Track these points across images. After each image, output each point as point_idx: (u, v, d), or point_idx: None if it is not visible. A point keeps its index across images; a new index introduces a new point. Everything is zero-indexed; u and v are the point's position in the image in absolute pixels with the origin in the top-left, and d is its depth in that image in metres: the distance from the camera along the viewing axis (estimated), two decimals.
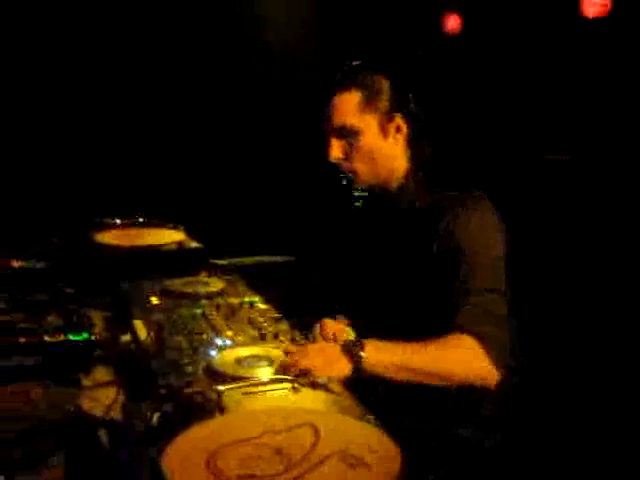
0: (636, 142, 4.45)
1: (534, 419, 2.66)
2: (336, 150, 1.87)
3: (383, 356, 1.57)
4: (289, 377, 1.49)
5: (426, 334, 1.64)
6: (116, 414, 1.44)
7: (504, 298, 1.71)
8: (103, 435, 1.39)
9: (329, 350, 1.57)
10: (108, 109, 4.85)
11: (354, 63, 1.93)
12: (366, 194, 2.02)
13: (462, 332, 1.63)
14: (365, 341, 1.57)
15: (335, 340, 1.63)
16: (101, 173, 4.65)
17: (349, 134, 1.85)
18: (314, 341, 1.69)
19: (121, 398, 1.54)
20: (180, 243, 2.57)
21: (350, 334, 1.70)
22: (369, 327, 1.75)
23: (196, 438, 1.20)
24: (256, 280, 2.46)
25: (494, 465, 1.81)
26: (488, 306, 1.68)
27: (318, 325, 1.72)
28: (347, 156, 1.88)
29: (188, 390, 1.38)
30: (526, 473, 1.95)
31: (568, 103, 4.89)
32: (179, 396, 1.34)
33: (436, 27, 5.47)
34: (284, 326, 1.91)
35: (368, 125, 1.85)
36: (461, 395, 1.72)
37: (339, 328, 1.71)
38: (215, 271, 2.45)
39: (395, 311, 1.89)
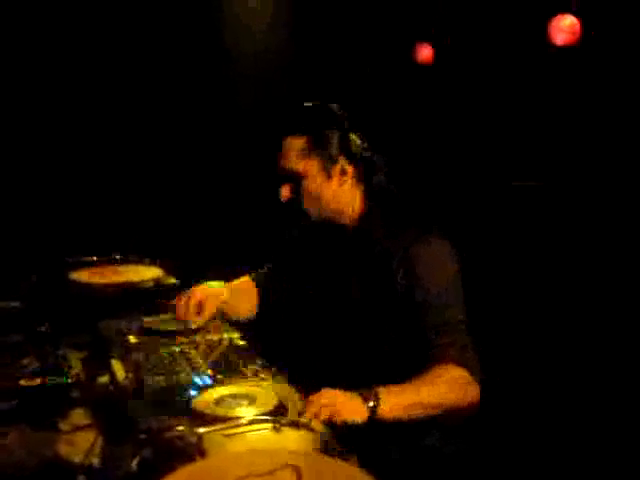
0: (603, 168, 4.53)
1: (496, 426, 2.78)
2: (285, 191, 1.94)
3: (396, 400, 1.61)
4: (269, 417, 1.47)
5: (394, 368, 1.76)
6: (95, 459, 1.41)
7: (467, 328, 1.82)
8: None
9: (348, 397, 1.58)
10: (80, 144, 4.82)
11: (303, 105, 1.96)
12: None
13: (448, 363, 1.72)
14: (379, 389, 1.60)
15: None
16: (75, 210, 4.61)
17: (295, 177, 1.91)
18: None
19: (100, 442, 1.51)
20: (157, 279, 2.55)
21: None
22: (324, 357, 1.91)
23: None
24: None
25: (453, 472, 1.88)
26: (461, 335, 1.79)
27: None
28: (297, 196, 1.93)
29: (168, 434, 1.36)
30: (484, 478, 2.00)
31: (536, 130, 4.97)
32: (159, 440, 1.32)
33: (408, 57, 5.53)
34: (265, 363, 1.90)
35: (310, 170, 1.89)
36: None
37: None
38: None
39: (359, 346, 1.93)
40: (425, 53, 5.48)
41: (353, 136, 1.93)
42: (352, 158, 1.92)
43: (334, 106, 1.97)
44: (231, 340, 2.08)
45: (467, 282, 1.90)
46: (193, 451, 1.31)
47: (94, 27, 4.78)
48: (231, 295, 2.16)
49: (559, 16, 4.43)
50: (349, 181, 1.93)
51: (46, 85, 4.70)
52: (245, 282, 2.32)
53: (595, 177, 4.58)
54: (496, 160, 5.27)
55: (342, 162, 1.91)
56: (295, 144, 1.89)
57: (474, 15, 5.25)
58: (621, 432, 3.26)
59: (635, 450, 3.08)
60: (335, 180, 1.91)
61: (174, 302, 2.10)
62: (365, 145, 1.96)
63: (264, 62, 5.30)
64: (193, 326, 2.07)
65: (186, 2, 5.11)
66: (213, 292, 2.10)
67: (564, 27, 4.40)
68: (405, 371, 1.74)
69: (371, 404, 1.56)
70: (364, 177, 1.96)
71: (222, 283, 2.19)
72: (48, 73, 4.69)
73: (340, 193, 1.93)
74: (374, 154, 1.98)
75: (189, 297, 2.06)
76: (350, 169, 1.92)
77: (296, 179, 1.91)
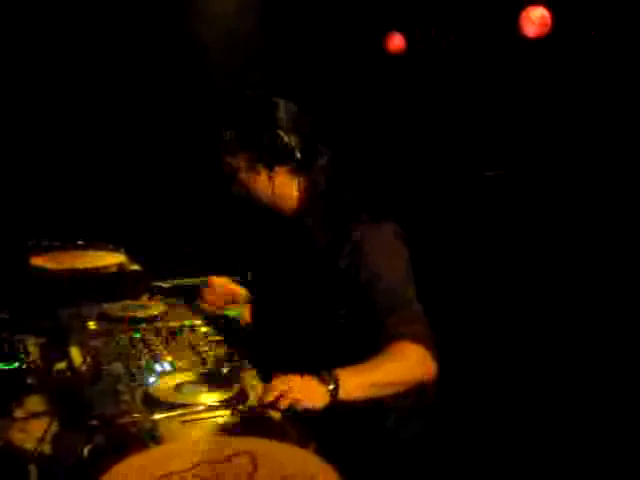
0: (575, 157, 4.56)
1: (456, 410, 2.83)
2: (234, 184, 1.94)
3: (356, 381, 1.60)
4: (227, 403, 1.45)
5: (350, 350, 1.76)
6: (47, 447, 1.38)
7: (418, 302, 1.83)
8: (33, 470, 1.33)
9: (308, 381, 1.55)
10: (43, 127, 4.74)
11: (239, 97, 1.95)
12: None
13: (405, 339, 1.71)
14: (337, 372, 1.58)
15: None
16: (38, 193, 4.54)
17: (233, 170, 1.91)
18: None
19: (53, 429, 1.48)
20: (120, 265, 2.51)
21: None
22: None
23: (130, 471, 1.16)
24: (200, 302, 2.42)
25: (410, 455, 1.89)
26: (413, 314, 1.79)
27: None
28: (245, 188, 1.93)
29: (121, 420, 1.33)
30: (439, 463, 2.02)
31: (508, 120, 4.99)
32: (112, 427, 1.29)
33: (380, 46, 5.52)
34: (226, 350, 1.87)
35: (240, 163, 1.89)
36: None
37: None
38: (157, 294, 2.40)
39: (313, 329, 1.92)
40: (397, 42, 5.46)
41: (282, 133, 1.87)
42: (280, 156, 1.88)
43: (278, 100, 1.93)
44: (193, 326, 2.06)
45: (441, 271, 1.90)
46: (147, 438, 1.28)
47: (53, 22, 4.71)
48: None
49: (529, 8, 4.44)
50: (281, 176, 1.90)
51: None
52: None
53: (567, 166, 4.61)
54: (468, 150, 5.28)
55: (268, 159, 1.88)
56: (226, 137, 1.90)
57: (446, 4, 5.24)
58: (610, 422, 3.30)
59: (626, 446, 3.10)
60: (264, 175, 1.89)
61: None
62: (302, 140, 1.90)
63: (232, 51, 5.24)
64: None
65: None
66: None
67: (535, 19, 4.41)
68: (362, 350, 1.73)
69: (331, 387, 1.54)
70: (303, 170, 1.92)
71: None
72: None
73: (273, 187, 1.91)
74: (318, 147, 1.95)
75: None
76: (279, 166, 1.89)
77: (232, 170, 1.91)
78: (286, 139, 1.88)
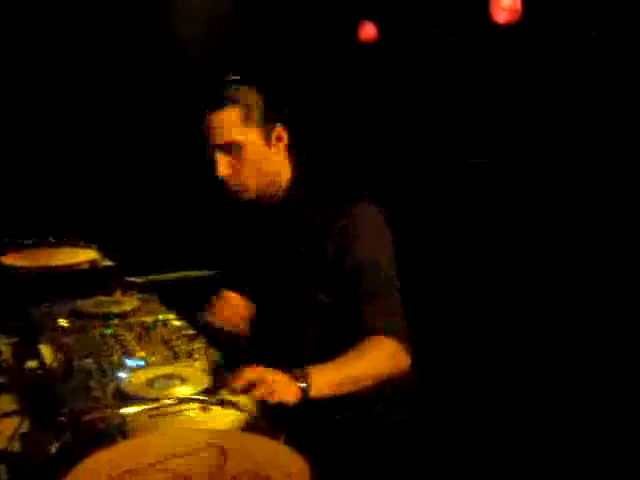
0: (554, 143, 4.58)
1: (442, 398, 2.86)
2: (223, 166, 1.90)
3: (327, 379, 1.62)
4: (198, 397, 1.45)
5: (328, 340, 1.79)
6: (17, 445, 1.37)
7: (399, 295, 1.85)
8: (2, 469, 1.32)
9: (279, 376, 1.56)
10: (12, 122, 4.69)
11: (228, 78, 1.95)
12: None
13: (379, 334, 1.74)
14: (309, 369, 1.59)
15: None
16: (7, 190, 4.49)
17: (233, 149, 1.89)
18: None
19: (24, 427, 1.47)
20: (92, 262, 2.50)
21: None
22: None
23: (96, 465, 1.16)
24: (174, 297, 2.41)
25: (392, 443, 1.90)
26: (392, 304, 1.82)
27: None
28: (234, 170, 1.91)
29: (89, 416, 1.33)
30: (423, 450, 2.01)
31: (487, 108, 5.00)
32: (80, 423, 1.28)
33: (352, 35, 5.51)
34: (199, 344, 1.87)
35: (250, 138, 1.89)
36: None
37: None
38: (130, 289, 2.39)
39: (293, 318, 1.94)
40: (368, 31, 5.45)
41: (285, 106, 1.96)
42: (287, 126, 1.94)
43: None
44: (166, 321, 2.05)
45: (426, 260, 1.92)
46: (116, 433, 1.28)
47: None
48: None
49: None
50: (282, 150, 1.95)
51: None
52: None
53: (550, 153, 4.63)
54: (451, 138, 5.29)
55: (278, 129, 1.93)
56: (229, 115, 1.88)
57: None
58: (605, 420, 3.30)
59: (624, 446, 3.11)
60: (273, 147, 1.92)
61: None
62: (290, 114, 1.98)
63: (207, 41, 5.21)
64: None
65: None
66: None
67: (505, 5, 4.43)
68: (342, 340, 1.75)
69: (302, 385, 1.55)
70: (293, 146, 1.97)
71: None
72: None
73: (276, 161, 1.94)
74: (299, 124, 1.99)
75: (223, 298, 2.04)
76: (285, 135, 1.94)
77: (235, 150, 1.89)
78: (287, 109, 1.95)
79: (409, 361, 1.77)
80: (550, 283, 4.30)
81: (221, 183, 1.93)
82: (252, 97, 1.90)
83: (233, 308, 2.03)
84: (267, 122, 1.90)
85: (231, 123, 1.87)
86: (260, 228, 2.07)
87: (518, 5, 4.51)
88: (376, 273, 1.83)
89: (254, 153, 1.89)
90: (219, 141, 1.89)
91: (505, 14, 4.51)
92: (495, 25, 4.64)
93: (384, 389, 1.80)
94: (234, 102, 1.88)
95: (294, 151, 1.98)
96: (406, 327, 1.80)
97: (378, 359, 1.72)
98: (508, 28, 4.65)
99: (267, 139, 1.91)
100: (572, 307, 4.06)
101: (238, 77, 1.96)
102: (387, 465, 1.88)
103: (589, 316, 3.95)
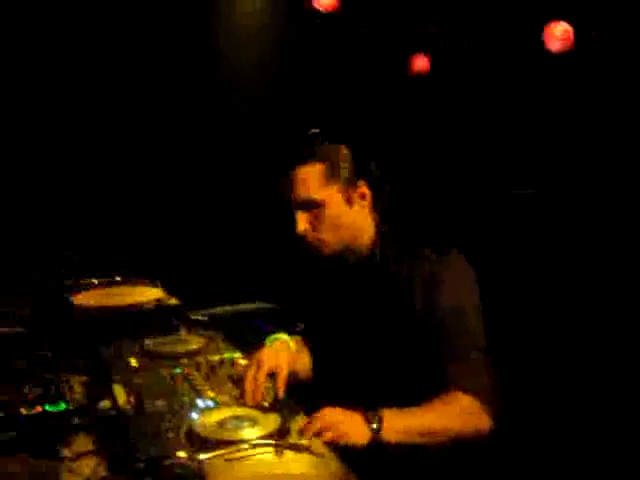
0: (602, 174, 4.54)
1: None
2: (303, 223, 1.89)
3: (400, 424, 1.59)
4: (272, 441, 1.46)
5: (408, 395, 1.70)
6: None
7: (486, 352, 1.79)
8: None
9: (351, 417, 1.56)
10: (70, 163, 4.78)
11: (313, 132, 1.96)
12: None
13: (459, 390, 1.69)
14: (383, 411, 1.58)
15: None
16: (72, 231, 4.59)
17: (314, 206, 1.87)
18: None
19: (101, 469, 1.50)
20: (158, 300, 2.54)
21: None
22: (348, 389, 1.83)
23: None
24: (237, 332, 2.44)
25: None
26: (477, 363, 1.76)
27: None
28: (313, 227, 1.89)
29: (167, 461, 1.35)
30: None
31: (535, 138, 4.98)
32: (159, 468, 1.31)
33: (404, 68, 5.54)
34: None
35: (332, 196, 1.87)
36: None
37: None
38: (194, 327, 2.42)
39: (374, 374, 1.90)
40: (421, 63, 5.48)
41: (370, 161, 1.94)
42: (370, 181, 1.92)
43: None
44: (232, 360, 2.07)
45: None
46: (194, 478, 1.30)
47: (73, 24, 4.72)
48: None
49: (552, 23, 4.45)
50: (367, 207, 1.93)
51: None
52: (298, 341, 2.08)
53: (595, 183, 4.58)
54: (496, 168, 5.27)
55: (361, 186, 1.91)
56: (312, 172, 1.87)
57: (469, 24, 5.25)
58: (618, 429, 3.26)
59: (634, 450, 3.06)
60: (355, 205, 1.90)
61: (240, 375, 1.84)
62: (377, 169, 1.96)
63: (260, 71, 5.28)
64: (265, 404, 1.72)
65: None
66: (284, 357, 1.84)
67: (558, 34, 4.42)
68: (418, 398, 1.71)
69: (374, 426, 1.54)
70: (377, 201, 1.95)
71: (287, 337, 1.97)
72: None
73: (358, 218, 1.92)
74: (384, 178, 1.97)
75: (257, 367, 1.78)
76: (369, 193, 1.91)
77: (315, 207, 1.87)
78: (373, 166, 1.93)
79: (489, 424, 1.70)
80: (599, 313, 4.23)
81: (300, 238, 1.92)
82: (337, 153, 1.89)
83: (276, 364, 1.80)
84: (350, 179, 1.88)
85: (314, 180, 1.86)
86: (346, 285, 2.02)
87: (570, 34, 4.50)
88: (462, 331, 1.78)
89: (334, 212, 1.87)
90: (300, 198, 1.88)
91: (559, 43, 4.49)
92: (549, 53, 4.62)
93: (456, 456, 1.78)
94: (319, 158, 1.87)
95: (379, 206, 1.95)
96: (491, 388, 1.73)
97: (457, 415, 1.67)
98: (561, 57, 4.63)
99: (350, 197, 1.89)
100: (622, 334, 3.99)
101: (320, 130, 1.96)
102: None
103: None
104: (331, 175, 1.86)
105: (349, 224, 1.90)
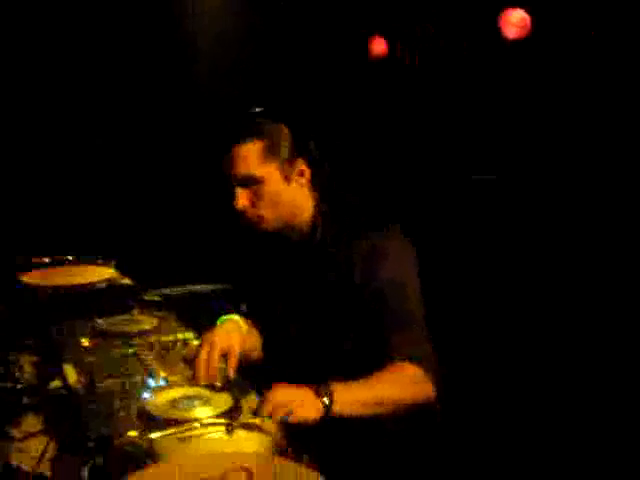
0: (559, 160, 4.59)
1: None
2: (242, 199, 1.92)
3: (350, 396, 1.62)
4: (224, 420, 1.47)
5: (356, 368, 1.72)
6: (45, 467, 1.40)
7: (424, 322, 1.86)
8: None
9: (302, 393, 1.58)
10: (28, 140, 4.72)
11: (254, 111, 1.98)
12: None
13: (403, 360, 1.75)
14: (333, 386, 1.60)
15: None
16: (24, 209, 4.52)
17: (253, 183, 1.91)
18: None
19: (51, 449, 1.50)
20: (110, 280, 2.52)
21: None
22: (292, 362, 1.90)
23: None
24: (190, 312, 2.43)
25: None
26: (418, 332, 1.83)
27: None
28: (253, 203, 1.93)
29: (118, 440, 1.35)
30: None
31: (492, 124, 5.02)
32: (109, 447, 1.31)
33: (363, 51, 5.54)
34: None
35: (270, 173, 1.90)
36: None
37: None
38: (148, 308, 2.41)
39: (321, 350, 1.95)
40: (379, 47, 5.49)
41: (308, 139, 1.97)
42: (309, 160, 1.95)
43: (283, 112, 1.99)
44: (186, 340, 2.07)
45: (429, 278, 1.93)
46: (145, 457, 1.30)
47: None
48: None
49: (508, 10, 4.49)
50: (305, 184, 1.96)
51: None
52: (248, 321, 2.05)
53: (552, 169, 4.65)
54: (455, 154, 5.31)
55: (300, 164, 1.94)
56: (252, 149, 1.89)
57: (425, 9, 5.27)
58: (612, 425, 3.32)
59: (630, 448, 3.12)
60: (293, 183, 1.93)
61: (193, 355, 1.81)
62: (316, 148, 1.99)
63: (217, 58, 5.25)
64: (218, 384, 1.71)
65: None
66: (236, 337, 1.83)
67: (514, 21, 4.46)
68: (363, 371, 1.74)
69: (325, 400, 1.56)
70: (316, 180, 1.98)
71: (238, 317, 1.96)
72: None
73: (297, 196, 1.95)
74: (324, 157, 2.00)
75: (210, 348, 1.76)
76: (308, 171, 1.95)
77: (254, 184, 1.90)
78: (313, 144, 1.97)
79: (434, 390, 1.76)
80: (554, 299, 4.31)
81: (238, 213, 1.94)
82: (277, 131, 1.92)
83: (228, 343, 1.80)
84: (290, 157, 1.92)
85: (253, 157, 1.89)
86: (288, 264, 2.06)
87: (527, 21, 4.54)
88: (401, 293, 1.84)
89: (272, 189, 1.90)
90: (239, 174, 1.90)
91: (515, 30, 4.54)
92: (504, 41, 4.66)
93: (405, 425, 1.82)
94: (258, 136, 1.89)
95: (318, 184, 1.99)
96: (432, 357, 1.80)
97: (401, 383, 1.73)
98: (517, 44, 4.67)
99: (288, 174, 1.92)
100: (581, 320, 4.07)
101: (262, 109, 1.98)
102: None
103: (601, 326, 3.96)
104: (271, 153, 1.89)
105: (288, 201, 1.94)
